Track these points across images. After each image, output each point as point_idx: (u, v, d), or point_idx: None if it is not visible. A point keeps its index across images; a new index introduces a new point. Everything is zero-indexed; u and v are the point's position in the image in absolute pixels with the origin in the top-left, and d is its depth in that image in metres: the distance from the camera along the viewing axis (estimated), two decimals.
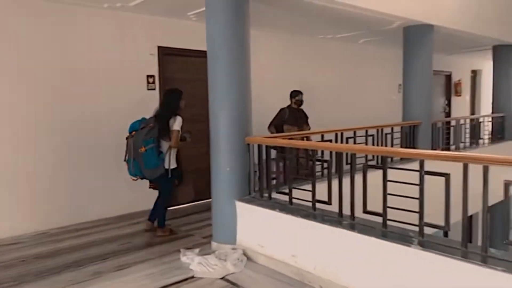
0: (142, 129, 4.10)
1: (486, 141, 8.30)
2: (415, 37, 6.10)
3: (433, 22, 5.98)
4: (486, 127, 8.46)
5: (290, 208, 3.40)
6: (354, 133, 4.93)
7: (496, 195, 2.34)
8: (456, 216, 2.47)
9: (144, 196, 4.59)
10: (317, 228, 3.05)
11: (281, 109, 5.72)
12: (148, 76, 5.23)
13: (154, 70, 5.28)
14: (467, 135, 7.72)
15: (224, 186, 3.76)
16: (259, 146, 3.76)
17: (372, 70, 8.42)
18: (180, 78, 5.36)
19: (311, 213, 3.23)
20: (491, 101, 9.11)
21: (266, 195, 3.69)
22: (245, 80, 3.74)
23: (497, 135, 8.53)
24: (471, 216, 7.22)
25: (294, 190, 3.45)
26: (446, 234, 2.72)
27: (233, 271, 3.29)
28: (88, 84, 4.79)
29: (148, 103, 4.75)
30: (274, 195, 3.67)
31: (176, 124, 4.10)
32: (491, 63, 9.06)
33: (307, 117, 5.91)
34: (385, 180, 2.72)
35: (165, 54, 5.32)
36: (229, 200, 3.75)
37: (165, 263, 3.54)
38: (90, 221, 4.76)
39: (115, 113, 4.91)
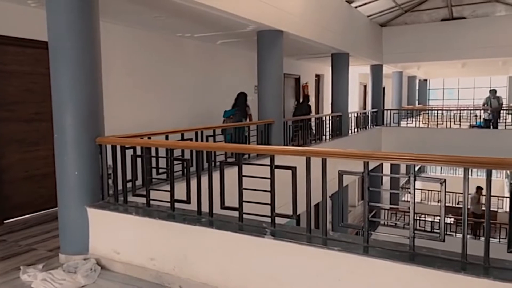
0: None
1: (328, 137, 9.42)
2: (267, 42, 6.54)
3: (282, 29, 6.49)
4: (328, 125, 9.61)
5: (147, 210, 3.27)
6: (214, 131, 5.02)
7: (336, 185, 2.64)
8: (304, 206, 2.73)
9: None
10: (176, 228, 3.01)
11: None
12: None
13: None
14: (313, 132, 8.65)
15: (73, 192, 3.41)
16: (113, 147, 3.51)
17: (230, 71, 8.71)
18: (16, 70, 4.66)
19: (170, 213, 3.17)
20: (330, 102, 10.41)
21: (122, 198, 3.48)
22: (94, 75, 3.44)
23: (336, 132, 9.78)
24: (318, 204, 8.12)
25: (152, 192, 3.33)
26: (298, 223, 2.97)
27: (85, 283, 3.01)
28: None
29: None
30: (132, 198, 3.48)
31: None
32: (330, 68, 10.34)
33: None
34: (240, 175, 2.83)
35: None
36: (79, 207, 3.41)
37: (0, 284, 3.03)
38: None
39: None
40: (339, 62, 9.89)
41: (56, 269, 3.15)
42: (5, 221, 4.50)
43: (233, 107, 7.09)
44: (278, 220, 2.79)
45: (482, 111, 12.77)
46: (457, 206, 16.77)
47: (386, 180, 16.86)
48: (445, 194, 2.19)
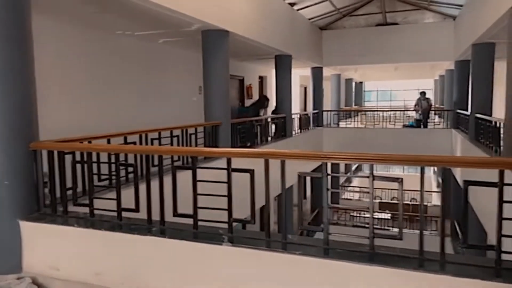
0: None
1: (272, 138, 9.47)
2: (213, 42, 6.41)
3: (228, 28, 6.39)
4: (273, 126, 9.68)
5: (91, 221, 3.00)
6: (159, 134, 4.79)
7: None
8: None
9: None
10: (124, 239, 2.78)
11: None
12: None
13: None
14: (258, 133, 8.63)
15: (2, 204, 3.04)
16: (50, 153, 3.19)
17: (173, 71, 8.43)
18: None
19: (117, 223, 2.93)
20: (275, 103, 10.50)
21: (61, 209, 3.16)
22: (26, 74, 3.10)
23: (281, 133, 9.88)
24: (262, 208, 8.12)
25: (96, 200, 3.06)
26: (244, 227, 2.89)
27: None
28: None
29: None
30: (72, 208, 3.18)
31: None
32: (274, 70, 10.43)
33: None
34: (194, 180, 2.68)
35: None
36: (9, 220, 3.05)
37: None
38: None
39: None
40: (283, 64, 10.01)
41: None
42: None
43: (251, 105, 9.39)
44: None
45: (414, 112, 13.62)
46: (391, 202, 17.82)
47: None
48: (402, 193, 2.22)
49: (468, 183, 2.11)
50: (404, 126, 13.78)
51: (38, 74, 3.27)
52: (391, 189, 19.09)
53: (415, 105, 13.35)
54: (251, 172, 2.52)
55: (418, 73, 20.17)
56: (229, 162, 2.57)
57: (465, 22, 10.14)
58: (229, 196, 2.60)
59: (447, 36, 11.86)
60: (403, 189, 2.24)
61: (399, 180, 2.21)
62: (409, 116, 14.27)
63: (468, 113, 9.90)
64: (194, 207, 2.70)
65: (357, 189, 19.28)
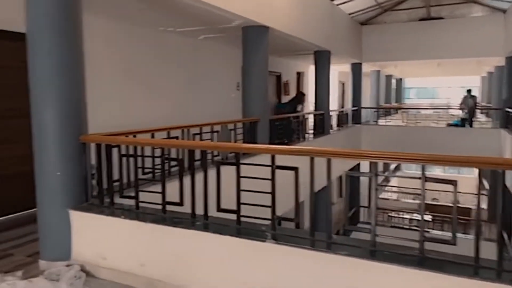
0: None
1: (311, 135, 9.37)
2: (253, 38, 6.40)
3: (268, 24, 6.36)
4: (311, 123, 9.57)
5: (136, 213, 3.08)
6: (200, 129, 4.85)
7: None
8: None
9: None
10: (168, 232, 2.83)
11: None
12: None
13: None
14: (297, 130, 8.56)
15: (54, 194, 3.18)
16: (98, 145, 3.29)
17: (212, 67, 8.49)
18: None
19: (161, 216, 2.98)
20: (313, 100, 10.37)
21: (108, 200, 3.26)
22: (76, 69, 3.21)
23: (319, 130, 9.75)
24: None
25: (141, 193, 3.13)
26: (298, 225, 2.86)
27: None
28: None
29: None
30: (118, 199, 3.27)
31: None
32: (312, 66, 10.29)
33: None
34: (238, 176, 2.69)
35: None
36: (60, 210, 3.18)
37: None
38: None
39: None
40: (321, 60, 9.87)
41: (37, 277, 2.92)
42: None
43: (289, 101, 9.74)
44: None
45: (460, 110, 13.05)
46: (432, 203, 17.22)
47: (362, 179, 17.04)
48: (456, 196, 2.11)
49: None
50: (448, 125, 13.24)
51: (87, 69, 3.38)
52: (431, 190, 18.49)
53: (461, 103, 12.78)
54: (295, 169, 2.48)
55: (463, 70, 19.27)
56: (273, 159, 2.55)
57: None
58: (273, 193, 2.59)
59: (496, 30, 11.25)
60: (457, 191, 2.13)
61: (454, 183, 2.11)
62: (453, 115, 13.67)
63: None
64: (238, 202, 2.70)
65: (396, 188, 18.73)
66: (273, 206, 2.59)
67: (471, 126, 12.43)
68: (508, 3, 10.33)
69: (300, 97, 10.37)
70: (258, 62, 6.51)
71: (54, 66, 3.09)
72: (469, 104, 12.37)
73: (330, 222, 2.45)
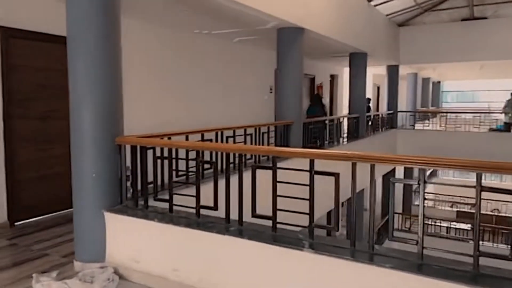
0: None
1: (345, 139, 9.13)
2: (288, 39, 6.28)
3: (304, 26, 6.23)
4: (345, 127, 9.32)
5: (170, 216, 3.03)
6: (234, 132, 4.78)
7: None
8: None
9: None
10: (202, 237, 2.76)
11: None
12: None
13: None
14: (330, 134, 8.36)
15: (89, 195, 3.18)
16: (133, 148, 3.28)
17: (245, 69, 8.44)
18: (29, 65, 4.44)
19: (195, 220, 2.92)
20: (347, 103, 10.12)
21: (142, 203, 3.24)
22: (114, 72, 3.21)
23: (353, 134, 9.49)
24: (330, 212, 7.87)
25: (175, 196, 3.09)
26: (329, 233, 2.72)
27: None
28: None
29: None
30: (152, 202, 3.25)
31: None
32: (347, 69, 10.05)
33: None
34: (274, 181, 2.58)
35: (10, 36, 4.34)
36: (96, 211, 3.18)
37: None
38: None
39: None
40: (357, 62, 9.62)
41: (72, 278, 2.92)
42: (16, 223, 4.29)
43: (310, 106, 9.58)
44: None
45: (503, 114, 12.38)
46: (471, 211, 16.42)
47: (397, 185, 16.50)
48: None
49: None
50: (491, 129, 12.58)
51: (124, 72, 3.38)
52: (471, 197, 17.64)
53: (504, 107, 12.12)
54: (336, 175, 2.35)
55: (506, 72, 18.33)
56: (312, 163, 2.42)
57: None
58: (311, 199, 2.46)
59: None
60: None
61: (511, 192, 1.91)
62: (496, 119, 12.98)
63: None
64: (274, 208, 2.60)
65: (432, 196, 18.01)
66: (311, 213, 2.47)
67: None
68: None
69: (316, 100, 10.12)
70: (292, 64, 6.39)
71: (93, 68, 3.11)
72: None
73: (373, 231, 2.29)
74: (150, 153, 3.35)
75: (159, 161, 3.40)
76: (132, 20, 5.50)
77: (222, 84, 7.65)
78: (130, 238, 3.15)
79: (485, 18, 11.71)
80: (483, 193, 2.01)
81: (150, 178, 3.32)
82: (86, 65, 3.11)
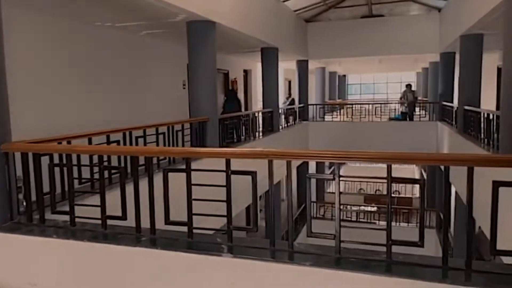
0: None
1: (261, 134, 9.20)
2: (199, 33, 6.08)
3: (214, 19, 6.07)
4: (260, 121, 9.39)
5: (72, 230, 2.70)
6: (144, 131, 4.48)
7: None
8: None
9: None
10: (110, 250, 2.49)
11: None
12: None
13: None
14: (246, 129, 8.36)
15: None
16: (24, 155, 2.86)
17: (155, 64, 8.01)
18: None
19: (101, 232, 2.63)
20: (261, 97, 10.22)
21: (38, 217, 2.84)
22: None
23: (268, 128, 9.62)
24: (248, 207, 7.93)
25: (78, 207, 2.75)
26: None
27: None
28: None
29: None
30: (50, 216, 2.86)
31: None
32: (259, 63, 10.14)
33: None
34: (189, 184, 2.41)
35: None
36: None
37: None
38: None
39: None
40: (269, 57, 9.74)
41: None
42: None
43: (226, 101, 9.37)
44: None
45: (399, 104, 13.56)
46: (377, 194, 17.86)
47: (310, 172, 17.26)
48: (424, 197, 2.00)
49: (498, 184, 1.90)
50: (390, 119, 13.72)
51: (8, 69, 2.93)
52: (375, 182, 19.18)
53: (401, 98, 13.28)
54: (253, 174, 2.26)
55: (401, 66, 20.18)
56: (228, 163, 2.30)
57: (452, 14, 10.06)
58: (228, 201, 2.34)
59: (432, 28, 11.78)
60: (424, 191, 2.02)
61: (420, 182, 1.99)
62: (394, 109, 14.18)
63: (454, 105, 9.87)
64: (189, 213, 2.43)
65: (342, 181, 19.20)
66: (229, 216, 2.35)
67: (411, 119, 12.95)
68: (443, 2, 10.83)
69: (231, 94, 10.13)
70: (205, 59, 6.20)
71: None
72: (409, 98, 12.88)
73: (292, 229, 2.25)
74: (46, 159, 2.96)
75: (57, 168, 3.03)
76: (24, 11, 4.86)
77: (131, 81, 7.17)
78: (24, 259, 2.75)
79: (382, 15, 12.67)
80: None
81: (47, 188, 2.93)
82: None
